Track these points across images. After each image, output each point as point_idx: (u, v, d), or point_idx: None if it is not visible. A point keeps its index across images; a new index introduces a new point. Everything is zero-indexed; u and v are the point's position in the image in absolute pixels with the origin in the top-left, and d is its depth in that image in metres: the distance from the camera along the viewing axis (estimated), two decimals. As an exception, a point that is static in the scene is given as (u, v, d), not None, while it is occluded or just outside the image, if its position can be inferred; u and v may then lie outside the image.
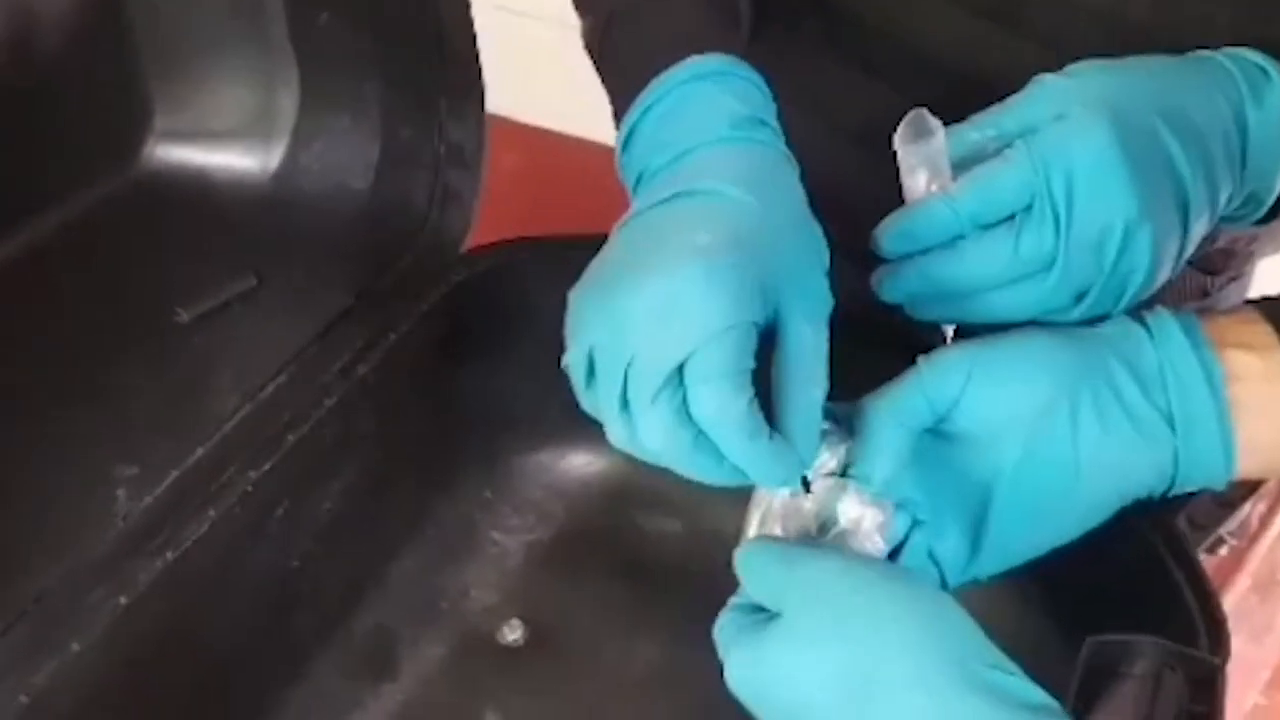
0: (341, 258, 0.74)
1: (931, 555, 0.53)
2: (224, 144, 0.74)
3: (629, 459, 0.80)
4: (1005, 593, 0.58)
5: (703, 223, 0.51)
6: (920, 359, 0.53)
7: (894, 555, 0.53)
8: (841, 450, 0.53)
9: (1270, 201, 0.57)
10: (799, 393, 0.50)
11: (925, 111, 0.53)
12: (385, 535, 0.74)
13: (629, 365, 0.49)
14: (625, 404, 0.50)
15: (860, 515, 0.52)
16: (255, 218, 0.74)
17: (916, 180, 0.54)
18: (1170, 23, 0.63)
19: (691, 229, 0.51)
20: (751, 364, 0.49)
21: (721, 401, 0.48)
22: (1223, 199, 0.54)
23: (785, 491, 0.52)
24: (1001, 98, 0.57)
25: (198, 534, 0.60)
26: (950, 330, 0.57)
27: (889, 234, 0.54)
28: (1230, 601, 1.23)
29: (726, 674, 0.47)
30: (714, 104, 0.56)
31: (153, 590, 0.58)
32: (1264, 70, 0.55)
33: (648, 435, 0.49)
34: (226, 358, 0.69)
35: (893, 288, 0.55)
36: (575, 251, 0.61)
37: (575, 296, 0.53)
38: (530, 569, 0.75)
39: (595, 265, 0.53)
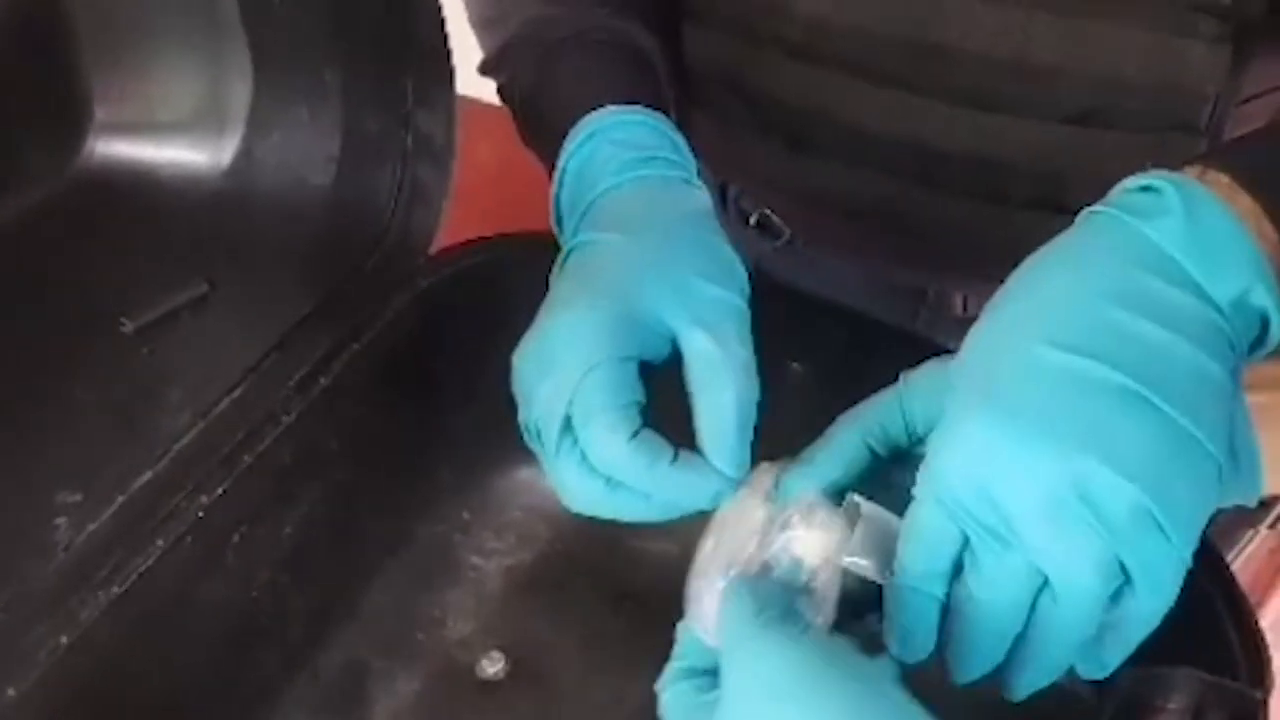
0: (300, 260, 0.74)
1: None
2: (171, 137, 0.74)
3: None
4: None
5: (571, 275, 0.58)
6: (902, 375, 0.53)
7: None
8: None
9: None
10: (703, 400, 0.54)
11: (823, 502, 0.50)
12: (353, 562, 0.74)
13: (537, 429, 0.55)
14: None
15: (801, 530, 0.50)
16: (206, 218, 0.74)
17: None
18: (1077, 62, 0.68)
19: (562, 284, 0.58)
20: (636, 397, 0.53)
21: (606, 439, 0.52)
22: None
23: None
24: (932, 155, 0.68)
25: (146, 565, 0.60)
26: None
27: (913, 652, 0.48)
28: (1270, 617, 1.23)
29: None
30: (601, 157, 0.62)
31: (97, 628, 0.58)
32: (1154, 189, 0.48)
33: (567, 490, 0.55)
34: (176, 371, 0.69)
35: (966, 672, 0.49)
36: (555, 249, 0.61)
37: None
38: (512, 596, 0.75)
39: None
